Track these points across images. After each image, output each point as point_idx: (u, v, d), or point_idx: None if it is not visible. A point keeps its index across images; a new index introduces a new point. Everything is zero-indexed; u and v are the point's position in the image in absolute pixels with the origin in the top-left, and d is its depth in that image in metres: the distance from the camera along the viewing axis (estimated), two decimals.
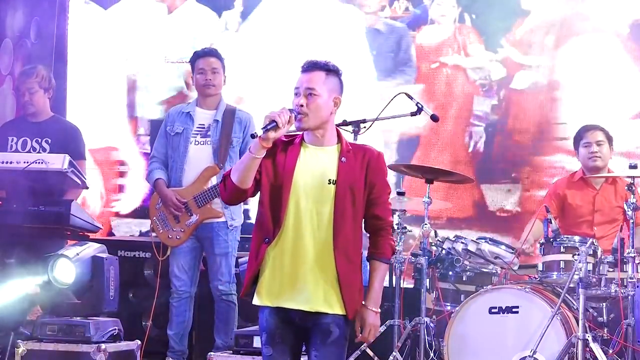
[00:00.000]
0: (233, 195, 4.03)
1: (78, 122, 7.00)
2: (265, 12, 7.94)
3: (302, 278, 3.96)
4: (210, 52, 6.44)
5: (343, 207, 3.97)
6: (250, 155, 3.93)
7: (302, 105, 3.98)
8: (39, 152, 6.36)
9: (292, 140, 4.07)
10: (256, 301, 4.04)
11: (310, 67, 4.04)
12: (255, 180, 4.00)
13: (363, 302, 4.03)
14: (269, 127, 3.88)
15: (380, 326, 5.97)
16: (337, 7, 7.76)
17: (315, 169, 4.01)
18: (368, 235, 4.14)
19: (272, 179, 4.01)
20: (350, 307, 3.99)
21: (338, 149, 4.05)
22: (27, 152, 6.41)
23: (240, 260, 6.22)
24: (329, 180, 3.99)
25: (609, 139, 6.33)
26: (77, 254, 5.80)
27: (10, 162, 6.09)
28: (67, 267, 5.75)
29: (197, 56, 6.43)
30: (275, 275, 3.99)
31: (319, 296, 3.97)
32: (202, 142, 6.34)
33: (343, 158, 4.02)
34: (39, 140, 6.46)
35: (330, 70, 4.05)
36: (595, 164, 6.29)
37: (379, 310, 4.06)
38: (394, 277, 6.06)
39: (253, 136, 3.93)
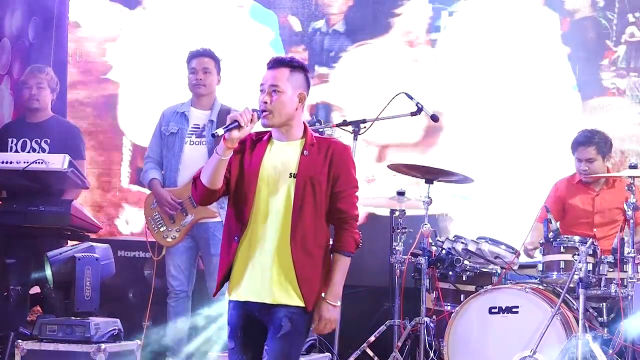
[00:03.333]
0: (204, 196, 4.06)
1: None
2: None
3: (264, 272, 3.99)
4: (204, 52, 6.42)
5: (302, 200, 3.98)
6: (217, 156, 3.95)
7: (266, 102, 4.00)
8: (38, 153, 6.35)
9: (261, 138, 4.10)
10: (227, 296, 4.08)
11: (275, 64, 4.07)
12: (225, 179, 4.03)
13: (322, 295, 4.02)
14: (230, 127, 3.90)
15: (380, 326, 6.08)
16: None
17: (278, 164, 4.04)
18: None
19: (240, 177, 4.05)
20: (309, 300, 3.97)
21: (302, 143, 4.07)
22: (27, 152, 6.40)
23: None
24: (290, 173, 4.01)
25: (604, 151, 6.24)
26: (60, 254, 5.80)
27: (10, 162, 6.07)
28: (48, 267, 5.76)
29: (191, 56, 6.43)
30: (242, 271, 4.03)
31: (280, 289, 3.98)
32: (197, 142, 6.34)
33: (305, 151, 4.03)
34: (39, 140, 6.46)
35: (295, 66, 4.07)
36: (585, 180, 6.30)
37: (338, 304, 4.03)
38: (395, 277, 6.08)
39: (213, 136, 3.95)
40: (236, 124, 3.91)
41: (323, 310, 4.01)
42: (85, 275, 5.76)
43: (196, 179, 4.05)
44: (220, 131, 3.91)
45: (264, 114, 4.00)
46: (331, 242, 4.08)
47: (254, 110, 3.97)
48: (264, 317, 4.01)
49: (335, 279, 4.03)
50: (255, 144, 4.09)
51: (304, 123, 4.12)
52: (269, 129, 4.09)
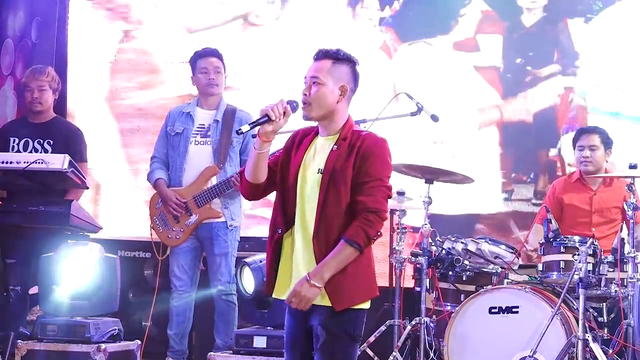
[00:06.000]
0: (249, 190, 4.03)
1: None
2: None
3: (295, 269, 3.93)
4: (213, 53, 6.43)
5: (325, 196, 3.88)
6: (254, 151, 3.91)
7: (305, 94, 3.94)
8: (40, 153, 6.35)
9: (309, 133, 4.05)
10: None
11: (319, 55, 4.00)
12: (273, 173, 4.00)
13: (307, 273, 3.86)
14: (260, 121, 3.85)
15: (380, 326, 6.07)
16: None
17: (313, 160, 3.98)
18: None
19: (284, 172, 4.01)
20: (335, 299, 3.83)
21: (337, 138, 3.99)
22: (28, 153, 6.40)
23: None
24: (319, 169, 3.94)
25: (606, 143, 6.28)
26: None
27: (11, 162, 6.06)
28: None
29: (198, 56, 6.43)
30: (283, 268, 3.98)
31: None
32: (202, 142, 6.34)
33: (335, 146, 3.94)
34: (41, 141, 6.46)
35: (340, 58, 3.98)
36: (585, 168, 6.29)
37: (318, 285, 3.81)
38: (394, 277, 6.07)
39: (238, 132, 3.91)
40: (266, 118, 3.85)
41: (299, 285, 3.83)
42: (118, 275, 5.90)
43: (242, 174, 4.01)
44: (245, 127, 3.85)
45: (303, 105, 3.94)
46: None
47: (288, 102, 3.91)
48: (308, 318, 3.92)
49: (326, 261, 3.82)
50: (303, 139, 4.03)
51: (349, 117, 4.02)
52: (314, 123, 4.02)
